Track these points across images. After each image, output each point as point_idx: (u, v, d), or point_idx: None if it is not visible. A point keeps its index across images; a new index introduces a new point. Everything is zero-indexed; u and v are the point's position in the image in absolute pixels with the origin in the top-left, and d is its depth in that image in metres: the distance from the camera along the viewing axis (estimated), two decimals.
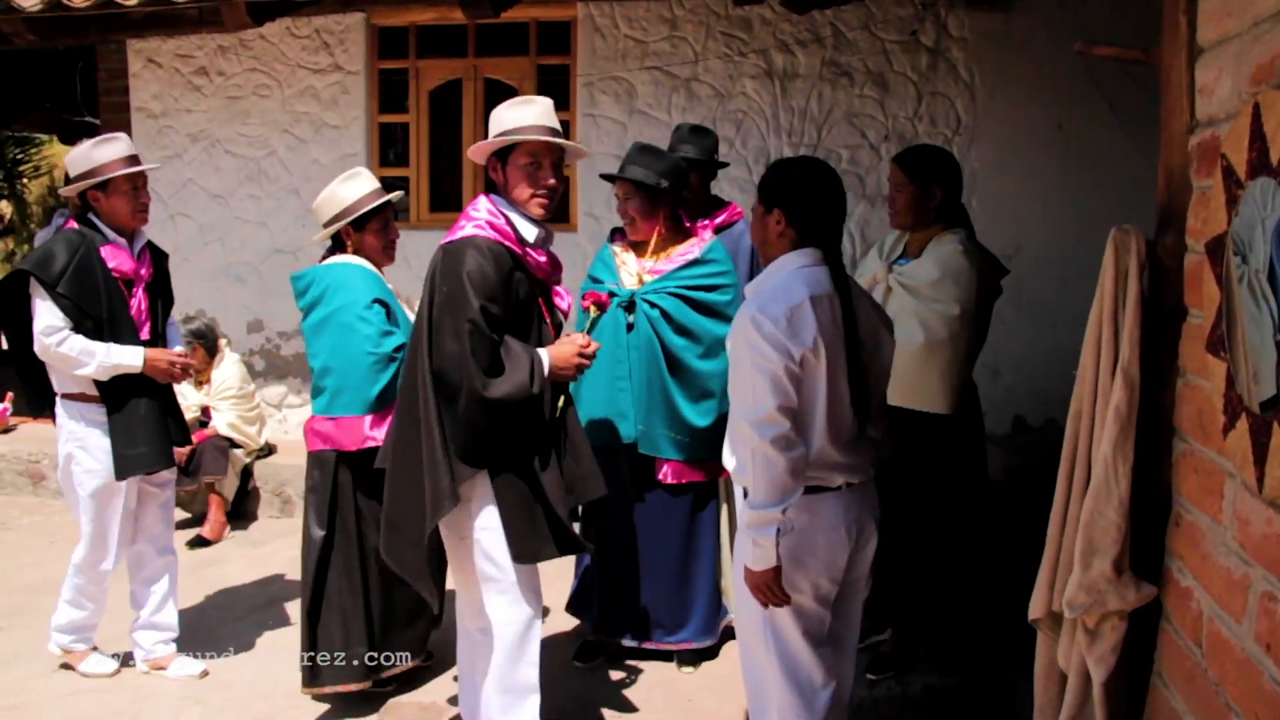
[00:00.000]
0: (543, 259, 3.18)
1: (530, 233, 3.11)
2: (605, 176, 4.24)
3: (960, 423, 3.79)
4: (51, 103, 10.38)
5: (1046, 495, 2.54)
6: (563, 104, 6.52)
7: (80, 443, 4.00)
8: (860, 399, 2.74)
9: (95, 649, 4.27)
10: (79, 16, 5.82)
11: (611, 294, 3.72)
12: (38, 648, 4.38)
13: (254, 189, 6.81)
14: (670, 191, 3.95)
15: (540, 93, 6.49)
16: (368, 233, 3.90)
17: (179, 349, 4.20)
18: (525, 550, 3.05)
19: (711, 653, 4.25)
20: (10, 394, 7.23)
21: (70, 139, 12.98)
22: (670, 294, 3.92)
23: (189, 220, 6.96)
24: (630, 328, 3.92)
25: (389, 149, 7.01)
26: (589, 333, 3.33)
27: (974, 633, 3.97)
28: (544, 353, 3.06)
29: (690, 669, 4.14)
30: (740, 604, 2.93)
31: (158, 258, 4.23)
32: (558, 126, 3.15)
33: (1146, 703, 2.36)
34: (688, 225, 4.12)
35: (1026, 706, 3.04)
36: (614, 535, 4.09)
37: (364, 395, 3.72)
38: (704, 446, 3.90)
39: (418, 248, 5.93)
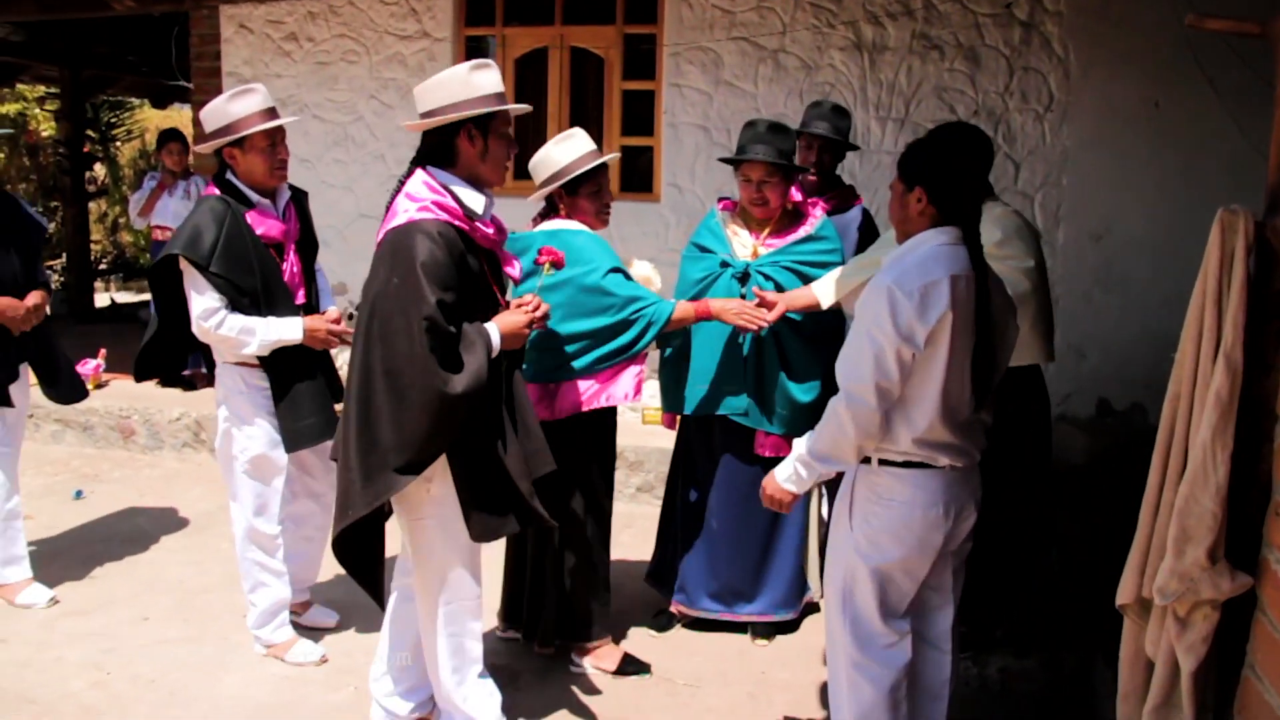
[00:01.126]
0: (490, 229, 3.07)
1: (478, 203, 3.01)
2: (725, 160, 4.26)
3: (1040, 383, 3.81)
4: (149, 68, 10.62)
5: (1128, 479, 2.51)
6: (649, 73, 6.52)
7: (239, 413, 3.88)
8: (982, 381, 2.73)
9: (297, 636, 4.11)
10: None
11: (554, 261, 3.47)
12: (129, 595, 4.53)
13: (340, 154, 6.91)
14: (800, 168, 4.09)
15: (626, 62, 6.51)
16: (581, 196, 3.76)
17: (333, 309, 4.02)
18: (485, 530, 2.99)
19: (790, 627, 4.26)
20: (104, 350, 7.45)
21: (161, 103, 13.32)
22: (785, 268, 3.95)
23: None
24: (743, 299, 3.94)
25: None
26: (540, 291, 3.30)
27: (1052, 614, 3.94)
28: (492, 327, 2.95)
29: (764, 641, 4.16)
30: (827, 568, 2.97)
31: (300, 204, 4.04)
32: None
33: (1237, 695, 2.32)
34: (799, 201, 4.13)
35: (1105, 689, 3.02)
36: (702, 503, 4.16)
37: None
38: (806, 423, 3.90)
39: (504, 213, 5.94)
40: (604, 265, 3.68)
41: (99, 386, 7.29)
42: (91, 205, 13.21)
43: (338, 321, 3.90)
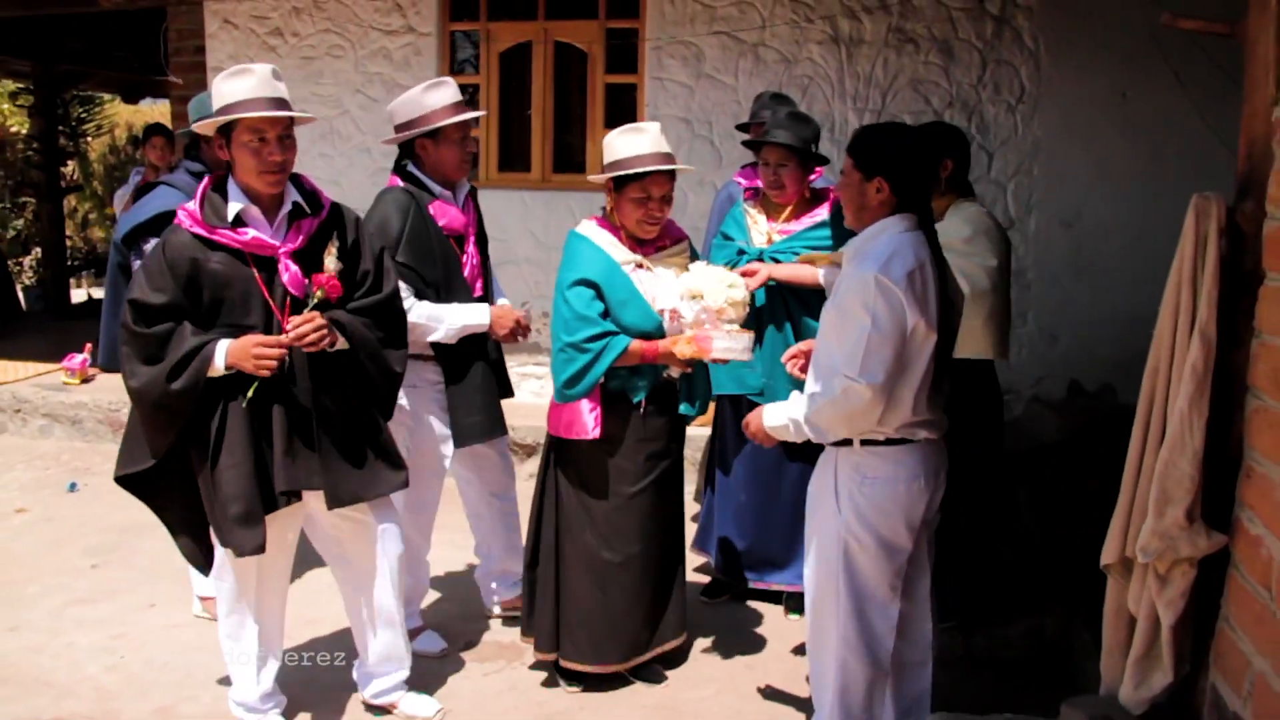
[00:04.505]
0: (245, 236, 3.05)
1: (231, 210, 3.05)
2: (748, 144, 4.38)
3: (993, 376, 4.02)
4: (139, 63, 10.58)
5: (1100, 455, 2.68)
6: (630, 67, 6.65)
7: (412, 408, 3.83)
8: (944, 356, 2.89)
9: (424, 627, 4.09)
10: None
11: (326, 287, 3.17)
12: (133, 583, 4.63)
13: (326, 148, 6.99)
14: (819, 157, 4.14)
15: (608, 56, 6.64)
16: (625, 198, 3.48)
17: (503, 301, 4.04)
18: (227, 539, 3.14)
19: None
20: (89, 345, 7.49)
21: (133, 98, 13.29)
22: (796, 253, 4.07)
23: None
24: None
25: None
26: (309, 309, 3.12)
27: (1032, 583, 4.12)
28: (222, 345, 3.01)
29: (796, 616, 4.28)
30: (810, 553, 3.11)
31: (477, 205, 4.03)
32: (283, 96, 3.07)
33: (1212, 645, 2.50)
34: (822, 190, 4.25)
35: (1085, 652, 3.20)
36: (733, 478, 4.32)
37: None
38: None
39: (488, 206, 6.05)
40: (570, 276, 3.47)
41: (85, 381, 7.34)
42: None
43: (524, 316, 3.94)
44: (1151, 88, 5.79)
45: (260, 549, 3.11)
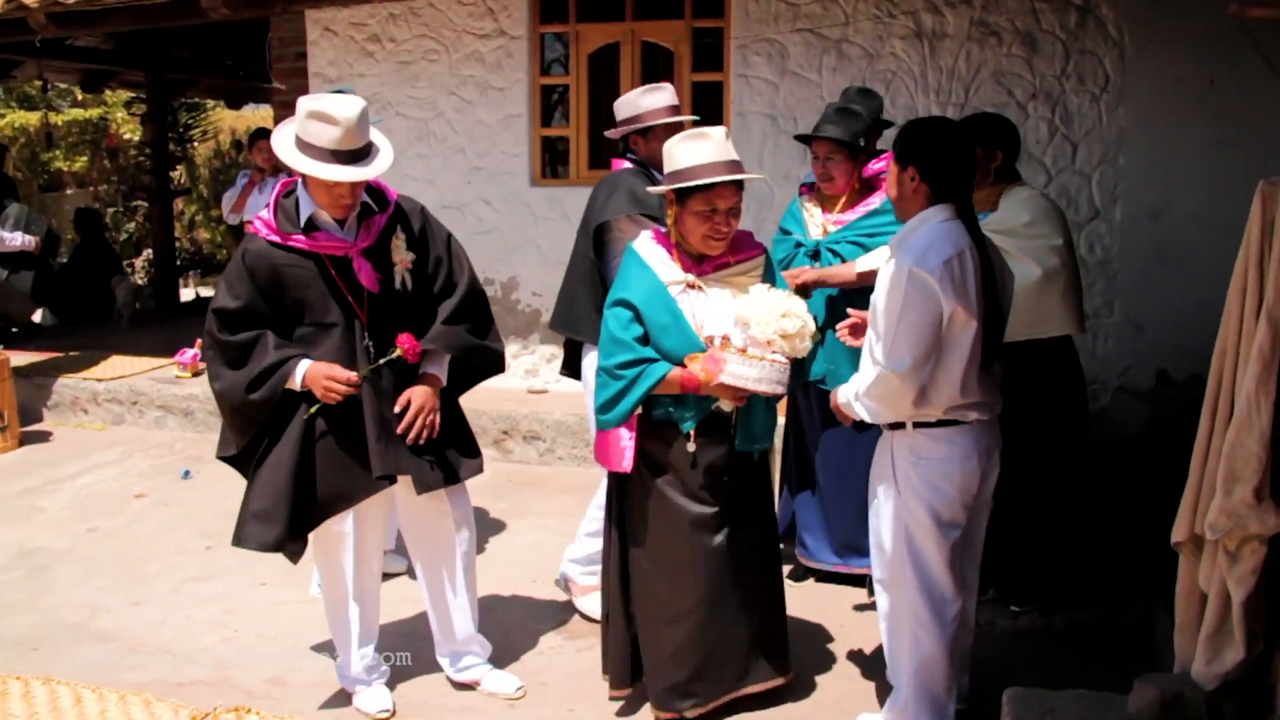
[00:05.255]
0: (321, 241, 3.23)
1: (303, 216, 3.22)
2: (799, 138, 4.50)
3: (1073, 352, 4.09)
4: (244, 71, 10.99)
5: (1185, 446, 2.74)
6: (716, 65, 6.78)
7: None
8: (993, 339, 3.02)
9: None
10: None
11: (419, 349, 3.38)
12: (244, 563, 4.87)
13: (422, 148, 7.25)
14: (868, 149, 4.24)
15: (695, 55, 6.77)
16: (688, 211, 3.18)
17: None
18: (239, 532, 3.39)
19: None
20: (200, 340, 7.86)
21: (236, 104, 13.80)
22: (850, 242, 4.18)
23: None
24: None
25: (550, 109, 7.37)
26: (371, 367, 3.31)
27: (1114, 569, 4.16)
28: (305, 364, 3.23)
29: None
30: (874, 537, 3.24)
31: None
32: (362, 143, 3.18)
33: None
34: (874, 178, 4.34)
35: (1163, 637, 3.25)
36: (807, 465, 4.47)
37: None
38: None
39: (577, 203, 6.21)
40: (613, 295, 3.28)
41: (196, 375, 7.70)
42: None
43: None
44: (1240, 75, 5.72)
45: (266, 547, 3.35)
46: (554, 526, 5.27)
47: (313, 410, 3.29)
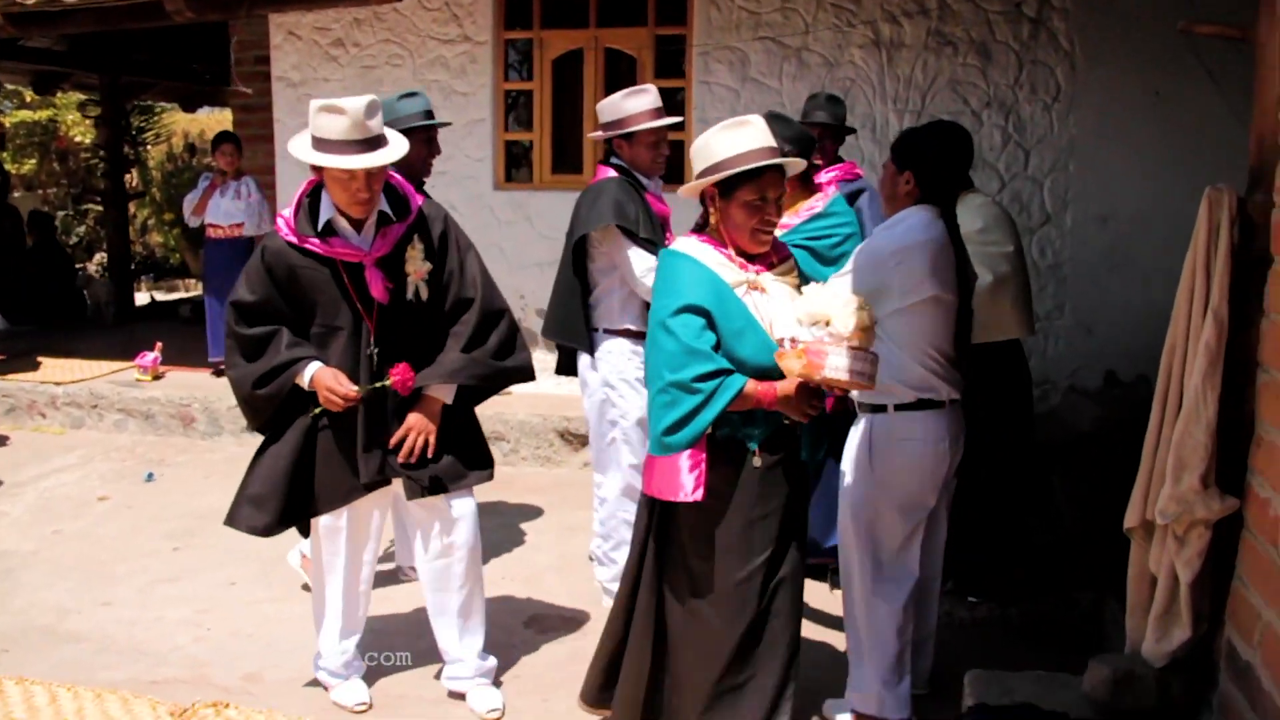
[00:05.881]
0: (336, 247, 3.28)
1: (321, 220, 3.26)
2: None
3: (1022, 356, 4.29)
4: (210, 75, 10.94)
5: (1134, 443, 2.89)
6: (679, 72, 6.90)
7: (623, 375, 4.16)
8: (964, 326, 3.27)
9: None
10: None
11: (411, 382, 3.35)
12: (214, 563, 4.91)
13: None
14: (799, 156, 4.30)
15: (657, 62, 6.89)
16: (735, 203, 2.87)
17: None
18: (232, 513, 3.49)
19: None
20: (160, 344, 7.84)
21: (191, 107, 13.71)
22: (796, 246, 4.27)
23: None
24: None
25: (514, 114, 7.45)
26: (370, 389, 3.35)
27: (1067, 561, 4.32)
28: (314, 366, 3.32)
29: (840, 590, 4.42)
30: (842, 511, 3.39)
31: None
32: (375, 135, 3.18)
33: (1228, 603, 2.70)
34: (815, 183, 4.44)
35: (1115, 625, 3.40)
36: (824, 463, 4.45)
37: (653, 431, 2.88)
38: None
39: (540, 206, 6.37)
40: (674, 302, 2.84)
41: (157, 378, 7.68)
42: None
43: None
44: (1185, 86, 5.95)
45: (255, 531, 3.44)
46: (519, 526, 5.35)
47: (317, 411, 3.38)
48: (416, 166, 4.11)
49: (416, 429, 3.38)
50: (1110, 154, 6.26)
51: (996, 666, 3.20)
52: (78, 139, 15.36)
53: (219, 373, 7.69)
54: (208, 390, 7.31)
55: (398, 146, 3.24)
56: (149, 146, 15.80)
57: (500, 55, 7.13)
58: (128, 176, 12.67)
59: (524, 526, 5.32)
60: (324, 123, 3.15)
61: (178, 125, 16.56)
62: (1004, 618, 4.11)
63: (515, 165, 7.65)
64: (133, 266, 13.91)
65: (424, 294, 3.40)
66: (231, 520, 3.48)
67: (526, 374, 3.60)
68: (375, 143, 3.17)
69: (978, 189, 4.26)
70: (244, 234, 7.54)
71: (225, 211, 7.54)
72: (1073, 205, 6.37)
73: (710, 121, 6.64)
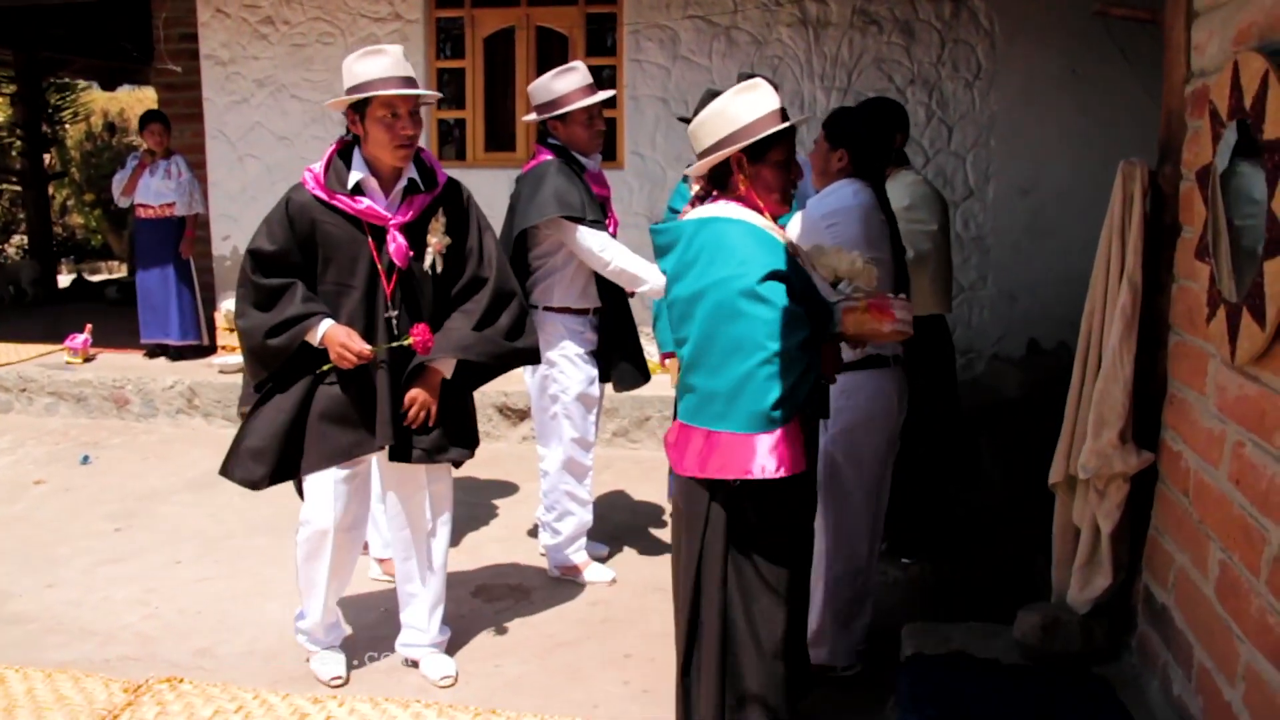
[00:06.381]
0: (360, 205, 3.31)
1: (351, 179, 3.30)
2: (684, 119, 4.71)
3: (944, 325, 4.46)
4: (139, 52, 10.76)
5: (1057, 407, 3.07)
6: (610, 50, 6.98)
7: (563, 351, 4.23)
8: (901, 286, 3.43)
9: (594, 560, 4.50)
10: None
11: (430, 343, 3.36)
12: (157, 543, 4.90)
13: (319, 130, 7.27)
14: None
15: (588, 40, 6.96)
16: (767, 165, 2.75)
17: None
18: (228, 464, 3.48)
19: None
20: (89, 325, 7.75)
21: (111, 85, 13.42)
22: None
23: (257, 161, 7.45)
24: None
25: (446, 93, 7.47)
26: (387, 347, 3.38)
27: (995, 521, 4.52)
28: (327, 323, 3.30)
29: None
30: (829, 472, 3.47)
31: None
32: (411, 74, 3.30)
33: (1144, 551, 2.90)
34: None
35: (1042, 579, 3.59)
36: None
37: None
38: None
39: (473, 184, 6.30)
40: (757, 270, 2.63)
41: (88, 360, 7.59)
42: None
43: None
44: (1100, 64, 6.18)
45: (249, 483, 3.43)
46: (461, 499, 5.39)
47: (326, 368, 3.38)
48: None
49: (420, 401, 3.42)
50: (1030, 129, 6.48)
51: (931, 619, 3.38)
52: None
53: (151, 354, 7.65)
54: (141, 371, 7.26)
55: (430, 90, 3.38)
56: (67, 125, 15.43)
57: (432, 34, 7.14)
58: (46, 156, 12.38)
59: (465, 500, 5.39)
60: (366, 66, 3.23)
61: (96, 104, 16.19)
62: (936, 576, 4.29)
63: (445, 143, 7.67)
64: (54, 248, 13.65)
65: (439, 267, 3.44)
66: (226, 472, 3.47)
67: (534, 356, 3.68)
68: (413, 82, 3.29)
69: (910, 166, 4.39)
70: (175, 214, 7.48)
71: (155, 191, 7.46)
72: (995, 179, 6.59)
73: (641, 100, 6.77)
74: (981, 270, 6.64)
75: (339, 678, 3.64)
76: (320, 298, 3.37)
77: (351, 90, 3.24)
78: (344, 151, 3.37)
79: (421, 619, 3.73)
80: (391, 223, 3.34)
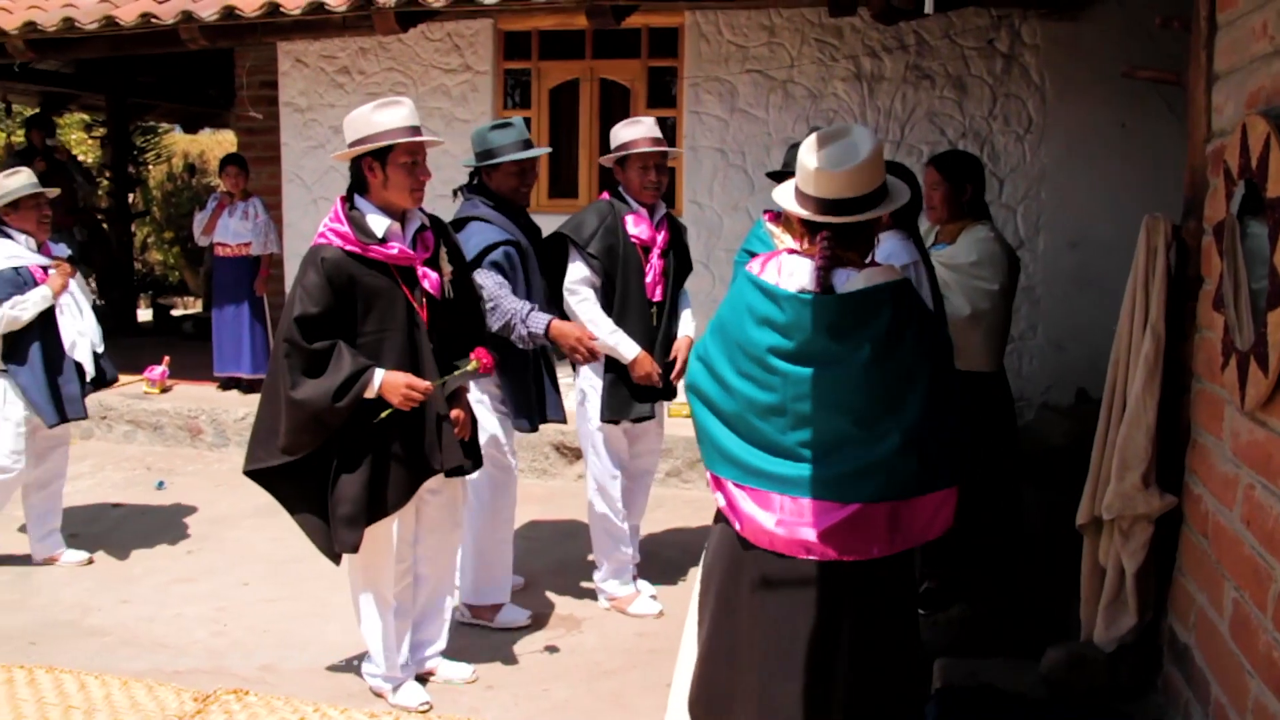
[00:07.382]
0: (393, 250, 3.43)
1: (380, 227, 3.41)
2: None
3: (998, 381, 4.45)
4: (223, 100, 11.20)
5: None
6: (670, 102, 7.22)
7: (591, 383, 4.47)
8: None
9: (643, 595, 4.65)
10: (245, 23, 6.58)
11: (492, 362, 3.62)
12: (227, 565, 5.13)
13: None
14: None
15: (650, 92, 7.21)
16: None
17: (681, 340, 4.53)
18: (337, 537, 3.52)
19: None
20: (167, 357, 8.08)
21: (192, 129, 13.97)
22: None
23: (330, 204, 7.71)
24: None
25: None
26: (453, 376, 3.56)
27: (1038, 566, 4.59)
28: (380, 373, 3.38)
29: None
30: None
31: (675, 229, 4.62)
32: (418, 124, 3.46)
33: (1170, 592, 2.99)
34: None
35: (1072, 615, 3.67)
36: None
37: None
38: None
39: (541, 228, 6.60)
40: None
41: (165, 390, 7.92)
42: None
43: (675, 360, 4.48)
44: (1147, 119, 6.27)
45: (356, 549, 3.54)
46: (517, 533, 5.58)
47: (386, 414, 3.44)
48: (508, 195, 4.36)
49: (465, 419, 3.68)
50: (1080, 182, 6.58)
51: (966, 657, 3.47)
52: (80, 158, 15.59)
53: (224, 386, 7.95)
54: (214, 403, 7.55)
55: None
56: (150, 166, 16.05)
57: (500, 85, 7.44)
58: (130, 195, 12.90)
59: (525, 534, 5.56)
60: (385, 116, 3.38)
61: (178, 146, 16.82)
62: (975, 617, 4.36)
63: None
64: (134, 283, 14.15)
65: (450, 293, 3.66)
66: (340, 546, 3.54)
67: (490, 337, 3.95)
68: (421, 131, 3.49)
69: (988, 220, 4.36)
70: (251, 253, 7.79)
71: (233, 231, 7.77)
72: (1044, 231, 6.69)
73: (700, 151, 6.98)
74: (1031, 320, 6.73)
75: (427, 702, 3.75)
76: (361, 350, 3.45)
77: (369, 139, 3.36)
78: (350, 207, 3.49)
79: (440, 629, 3.97)
80: (417, 260, 3.53)
